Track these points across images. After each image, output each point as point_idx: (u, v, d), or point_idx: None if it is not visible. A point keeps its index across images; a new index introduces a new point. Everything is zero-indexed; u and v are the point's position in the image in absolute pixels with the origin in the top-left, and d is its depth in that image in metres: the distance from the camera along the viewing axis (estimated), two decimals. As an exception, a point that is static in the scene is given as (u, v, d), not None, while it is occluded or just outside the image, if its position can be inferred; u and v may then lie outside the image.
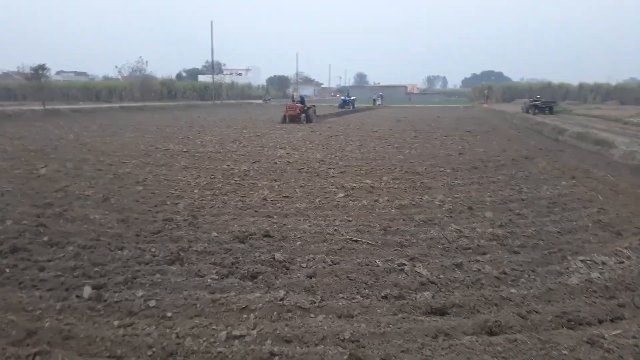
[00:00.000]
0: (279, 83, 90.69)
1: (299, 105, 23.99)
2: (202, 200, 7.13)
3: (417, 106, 53.16)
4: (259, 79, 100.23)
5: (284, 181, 8.67)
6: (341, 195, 7.55)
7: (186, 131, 18.68)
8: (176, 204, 6.86)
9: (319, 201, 7.13)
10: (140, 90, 51.36)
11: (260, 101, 61.38)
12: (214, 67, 63.62)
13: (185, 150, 12.81)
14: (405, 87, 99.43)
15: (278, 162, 10.87)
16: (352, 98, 46.71)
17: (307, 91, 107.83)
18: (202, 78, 79.12)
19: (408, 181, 8.78)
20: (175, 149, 13.12)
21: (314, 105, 25.33)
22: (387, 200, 7.26)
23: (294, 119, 23.72)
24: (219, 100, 54.62)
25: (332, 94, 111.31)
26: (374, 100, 54.78)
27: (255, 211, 6.54)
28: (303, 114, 23.55)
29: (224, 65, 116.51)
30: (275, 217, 6.25)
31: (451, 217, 6.35)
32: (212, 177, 8.95)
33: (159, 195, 7.41)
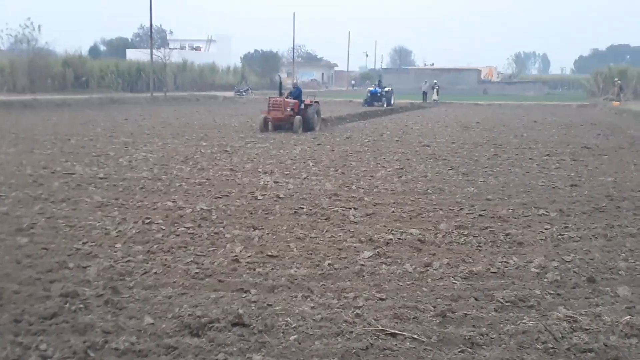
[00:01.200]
0: (263, 63, 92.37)
1: (291, 100, 24.23)
2: (129, 261, 7.16)
3: (498, 103, 53.66)
4: (230, 57, 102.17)
5: (269, 230, 8.70)
6: (368, 254, 7.54)
7: (104, 143, 18.97)
8: (85, 267, 6.89)
9: (328, 264, 7.13)
10: (27, 74, 52.49)
11: (231, 94, 62.36)
12: (153, 37, 65.06)
13: (101, 175, 12.98)
14: (478, 71, 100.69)
15: (260, 197, 10.95)
16: (386, 89, 47.57)
17: (309, 76, 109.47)
18: (132, 54, 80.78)
19: (483, 232, 8.77)
20: (85, 173, 13.30)
21: (316, 102, 25.59)
22: (448, 264, 7.24)
23: (281, 124, 23.97)
24: (161, 91, 55.61)
25: (353, 81, 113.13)
26: (425, 94, 55.52)
27: (220, 281, 6.56)
28: (297, 117, 23.76)
29: (171, 33, 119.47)
30: (253, 291, 6.24)
31: (559, 295, 6.30)
32: (147, 221, 9.02)
33: (56, 253, 7.45)
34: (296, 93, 24.85)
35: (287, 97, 24.56)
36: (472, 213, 9.95)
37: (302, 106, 24.47)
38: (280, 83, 27.17)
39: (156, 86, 56.48)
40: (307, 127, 24.09)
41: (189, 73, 72.18)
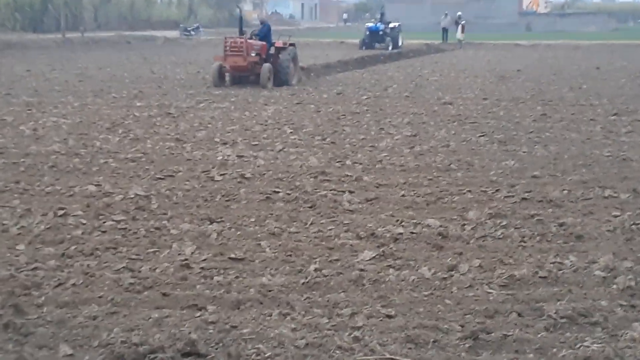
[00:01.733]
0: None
1: (257, 42, 24.13)
2: (37, 269, 7.10)
3: (547, 43, 53.62)
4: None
5: (231, 222, 8.68)
6: (369, 255, 7.54)
7: (-1, 105, 18.77)
8: (-26, 278, 6.84)
9: (315, 270, 7.12)
10: None
11: (175, 34, 61.85)
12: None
13: (-5, 149, 12.87)
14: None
15: (218, 178, 10.92)
16: (391, 25, 47.45)
17: (284, 8, 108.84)
18: (36, -21, 79.77)
19: (528, 221, 8.80)
20: (-28, 146, 13.17)
21: (292, 44, 25.57)
22: (480, 267, 7.24)
23: (244, 74, 24.06)
24: (77, 31, 55.08)
25: (346, 15, 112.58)
26: (445, 31, 55.36)
27: (164, 295, 6.54)
28: (266, 65, 23.85)
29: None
30: (211, 308, 6.24)
31: (633, 307, 6.32)
32: (61, 213, 8.96)
33: None
34: (264, 32, 24.66)
35: (251, 38, 24.29)
36: (513, 196, 9.96)
37: (272, 50, 24.40)
38: (242, 17, 26.72)
39: (70, 24, 55.96)
40: (280, 79, 24.05)
41: (115, 5, 71.54)
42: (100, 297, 6.45)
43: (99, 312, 6.13)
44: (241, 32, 25.12)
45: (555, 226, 8.59)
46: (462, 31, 52.40)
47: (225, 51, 23.66)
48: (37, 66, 31.02)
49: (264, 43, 24.14)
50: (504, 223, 8.70)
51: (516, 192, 10.19)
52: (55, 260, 7.34)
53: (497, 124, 16.26)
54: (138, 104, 19.06)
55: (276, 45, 24.61)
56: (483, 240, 8.12)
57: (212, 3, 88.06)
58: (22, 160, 12.05)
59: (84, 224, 8.57)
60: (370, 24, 48.68)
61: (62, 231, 8.29)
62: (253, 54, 23.60)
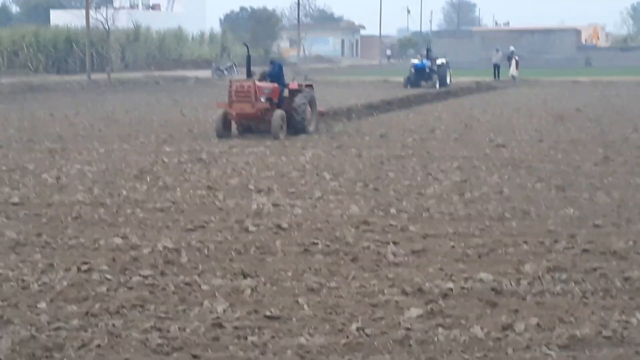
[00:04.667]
0: (254, 27, 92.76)
1: (266, 85, 22.64)
2: (59, 329, 7.13)
3: (608, 80, 53.33)
4: (204, 19, 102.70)
5: (267, 277, 8.68)
6: (416, 313, 7.50)
7: (19, 152, 19.04)
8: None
9: (357, 329, 7.09)
10: None
11: (207, 73, 62.48)
12: (91, -9, 65.37)
13: (16, 200, 12.98)
14: (577, 32, 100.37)
15: (252, 229, 10.94)
16: (439, 61, 47.62)
17: (323, 45, 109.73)
18: (59, 18, 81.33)
19: (590, 275, 8.71)
20: (-9, 196, 13.33)
21: (309, 85, 24.36)
22: (537, 325, 7.17)
23: (253, 123, 22.78)
24: (103, 71, 55.84)
25: (389, 51, 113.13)
26: (497, 67, 55.32)
27: (195, 356, 6.55)
28: (278, 111, 22.20)
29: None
30: (244, 371, 6.21)
31: None
32: (85, 268, 9.02)
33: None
34: (275, 72, 23.42)
35: (260, 79, 23.11)
36: (573, 247, 9.88)
37: (285, 93, 23.20)
38: (249, 57, 24.71)
39: (96, 64, 56.81)
40: (295, 127, 22.70)
41: (143, 44, 72.61)
42: (126, 359, 6.46)
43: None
44: (249, 75, 23.78)
45: (619, 281, 8.48)
46: (516, 67, 52.32)
47: (230, 97, 22.35)
48: (61, 110, 31.45)
49: (276, 85, 22.91)
50: (564, 277, 8.62)
51: (576, 243, 10.09)
52: (78, 319, 7.37)
53: (554, 168, 16.17)
54: (167, 150, 19.25)
55: (290, 87, 23.43)
56: (541, 297, 8.04)
57: (247, 40, 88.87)
58: (44, 211, 12.18)
59: (109, 279, 8.62)
60: (416, 61, 48.83)
61: (86, 287, 8.34)
62: (263, 99, 22.26)
